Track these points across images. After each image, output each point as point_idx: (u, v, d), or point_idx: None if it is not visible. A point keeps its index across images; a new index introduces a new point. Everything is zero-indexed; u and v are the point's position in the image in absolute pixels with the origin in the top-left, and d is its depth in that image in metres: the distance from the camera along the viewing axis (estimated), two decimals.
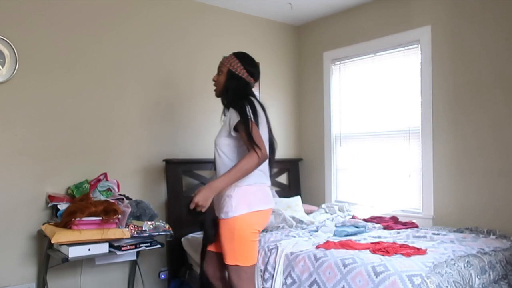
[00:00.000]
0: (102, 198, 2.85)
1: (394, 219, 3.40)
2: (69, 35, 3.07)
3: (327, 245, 2.60)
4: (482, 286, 2.28)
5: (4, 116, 2.82)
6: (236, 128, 2.17)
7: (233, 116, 2.18)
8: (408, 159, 3.56)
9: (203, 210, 2.09)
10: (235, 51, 2.42)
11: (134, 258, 2.95)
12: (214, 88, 2.40)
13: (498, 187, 3.03)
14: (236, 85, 2.30)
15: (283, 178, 4.30)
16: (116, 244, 2.65)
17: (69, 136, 3.07)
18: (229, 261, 2.24)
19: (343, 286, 2.25)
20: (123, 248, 2.66)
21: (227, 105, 2.33)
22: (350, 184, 4.05)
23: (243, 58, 2.33)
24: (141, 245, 2.76)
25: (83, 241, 2.52)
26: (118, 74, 3.30)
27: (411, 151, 3.55)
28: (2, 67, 2.80)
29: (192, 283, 3.30)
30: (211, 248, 2.45)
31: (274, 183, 4.18)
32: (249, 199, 2.19)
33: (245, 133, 2.11)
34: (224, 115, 2.40)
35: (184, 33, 3.69)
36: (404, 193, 3.60)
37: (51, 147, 2.99)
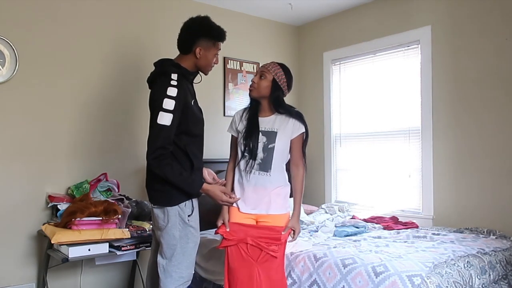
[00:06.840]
0: (102, 198, 2.85)
1: (394, 219, 3.41)
2: (69, 35, 3.07)
3: None
4: (482, 286, 2.28)
5: (4, 116, 2.82)
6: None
7: (299, 127, 2.31)
8: (408, 159, 3.56)
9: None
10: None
11: (134, 258, 2.95)
12: (251, 88, 2.39)
13: (498, 187, 3.03)
14: (279, 95, 2.37)
15: None
16: (116, 244, 2.66)
17: (69, 136, 3.07)
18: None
19: (343, 286, 2.25)
20: (123, 248, 2.66)
21: (280, 112, 2.35)
22: (350, 184, 4.04)
23: (287, 71, 2.40)
24: (141, 245, 2.76)
25: (83, 241, 2.53)
26: (117, 74, 3.30)
27: (411, 151, 3.54)
28: (2, 67, 2.80)
29: (192, 283, 3.29)
30: None
31: None
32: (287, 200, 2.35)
33: (302, 147, 2.32)
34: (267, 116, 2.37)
35: None
36: (404, 193, 3.60)
37: (51, 147, 2.99)
